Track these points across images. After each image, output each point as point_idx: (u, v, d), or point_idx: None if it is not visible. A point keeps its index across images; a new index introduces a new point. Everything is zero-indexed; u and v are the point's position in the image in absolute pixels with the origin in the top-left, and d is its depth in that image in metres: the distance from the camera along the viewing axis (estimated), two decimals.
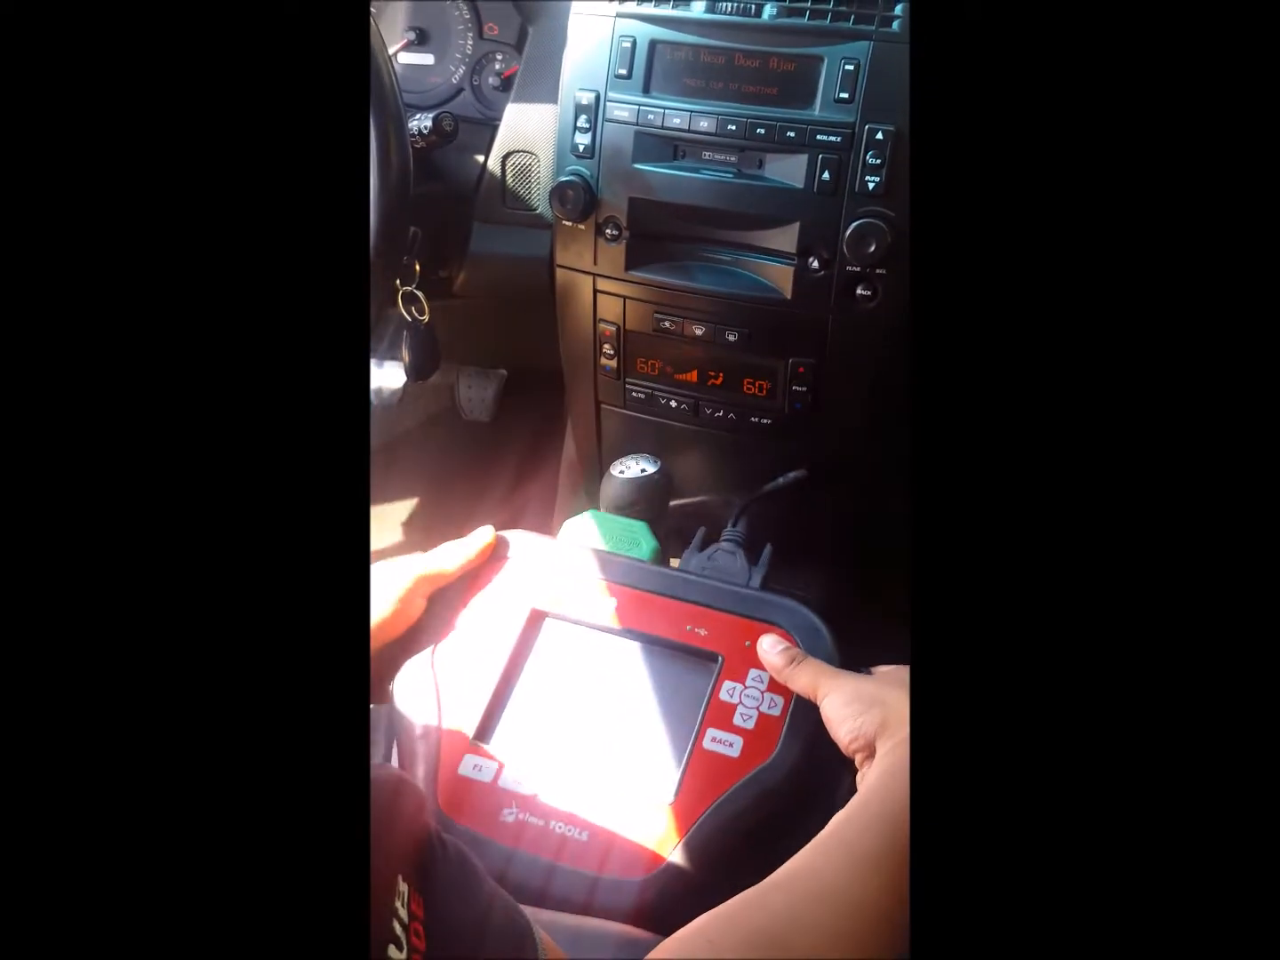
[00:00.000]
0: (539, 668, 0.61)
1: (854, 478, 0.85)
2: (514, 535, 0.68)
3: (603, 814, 0.54)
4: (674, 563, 0.73)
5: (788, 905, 0.43)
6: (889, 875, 0.43)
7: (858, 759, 0.51)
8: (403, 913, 0.32)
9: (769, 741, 0.56)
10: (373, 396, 0.86)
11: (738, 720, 0.57)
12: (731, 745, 0.56)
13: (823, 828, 0.51)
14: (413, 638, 0.62)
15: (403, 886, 0.33)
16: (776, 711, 0.57)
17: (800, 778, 0.55)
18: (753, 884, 0.49)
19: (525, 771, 0.56)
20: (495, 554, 0.67)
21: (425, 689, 0.60)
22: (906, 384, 0.77)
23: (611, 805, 0.55)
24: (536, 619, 0.63)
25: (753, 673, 0.58)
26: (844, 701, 0.52)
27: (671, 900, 0.51)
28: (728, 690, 0.58)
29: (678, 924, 0.47)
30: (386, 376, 0.84)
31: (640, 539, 0.72)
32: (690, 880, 0.52)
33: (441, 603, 0.63)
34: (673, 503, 0.77)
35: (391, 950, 0.31)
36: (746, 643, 0.60)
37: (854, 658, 0.60)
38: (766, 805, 0.54)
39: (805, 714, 0.56)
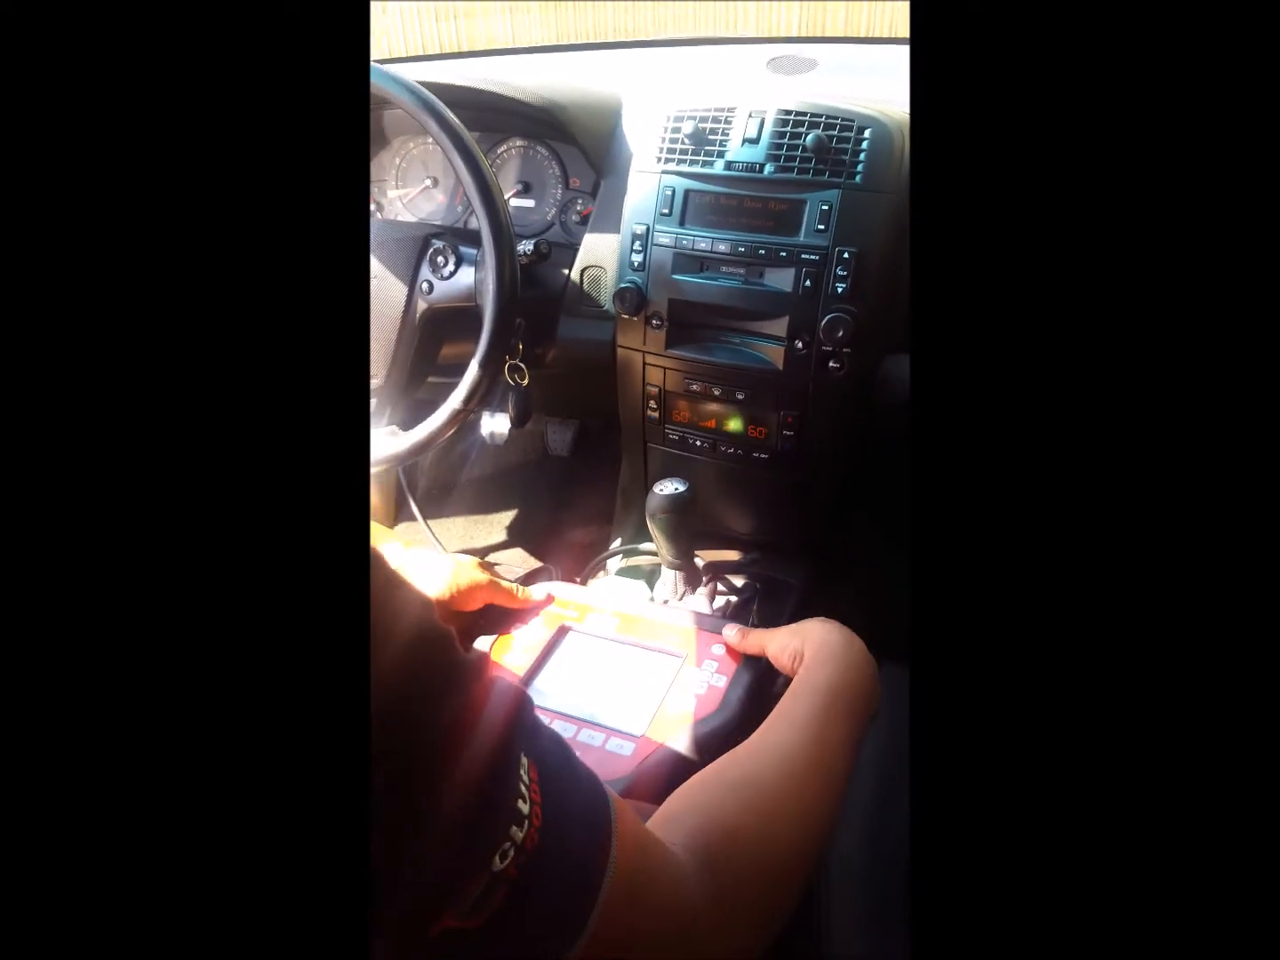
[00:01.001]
0: (564, 657, 0.67)
1: (821, 493, 0.87)
2: (554, 585, 0.73)
3: (591, 742, 0.59)
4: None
5: (751, 758, 0.47)
6: (814, 733, 0.49)
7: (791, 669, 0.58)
8: (525, 777, 0.32)
9: (714, 700, 0.61)
10: (486, 439, 0.87)
11: (693, 689, 0.62)
12: (687, 703, 0.62)
13: None
14: (456, 622, 0.65)
15: (524, 759, 0.33)
16: (722, 683, 0.62)
17: (731, 723, 0.60)
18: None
19: (542, 716, 0.62)
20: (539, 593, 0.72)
21: None
22: (865, 425, 0.82)
23: (598, 737, 0.60)
24: (563, 631, 0.69)
25: (706, 662, 0.64)
26: (778, 641, 0.60)
27: (639, 792, 0.56)
28: (687, 672, 0.64)
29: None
30: (496, 424, 0.87)
31: (641, 592, 0.79)
32: (641, 785, 0.57)
33: (495, 614, 0.68)
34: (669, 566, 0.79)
35: (519, 803, 0.31)
36: (710, 646, 0.66)
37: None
38: (706, 741, 0.59)
39: (739, 686, 0.62)
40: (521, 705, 0.34)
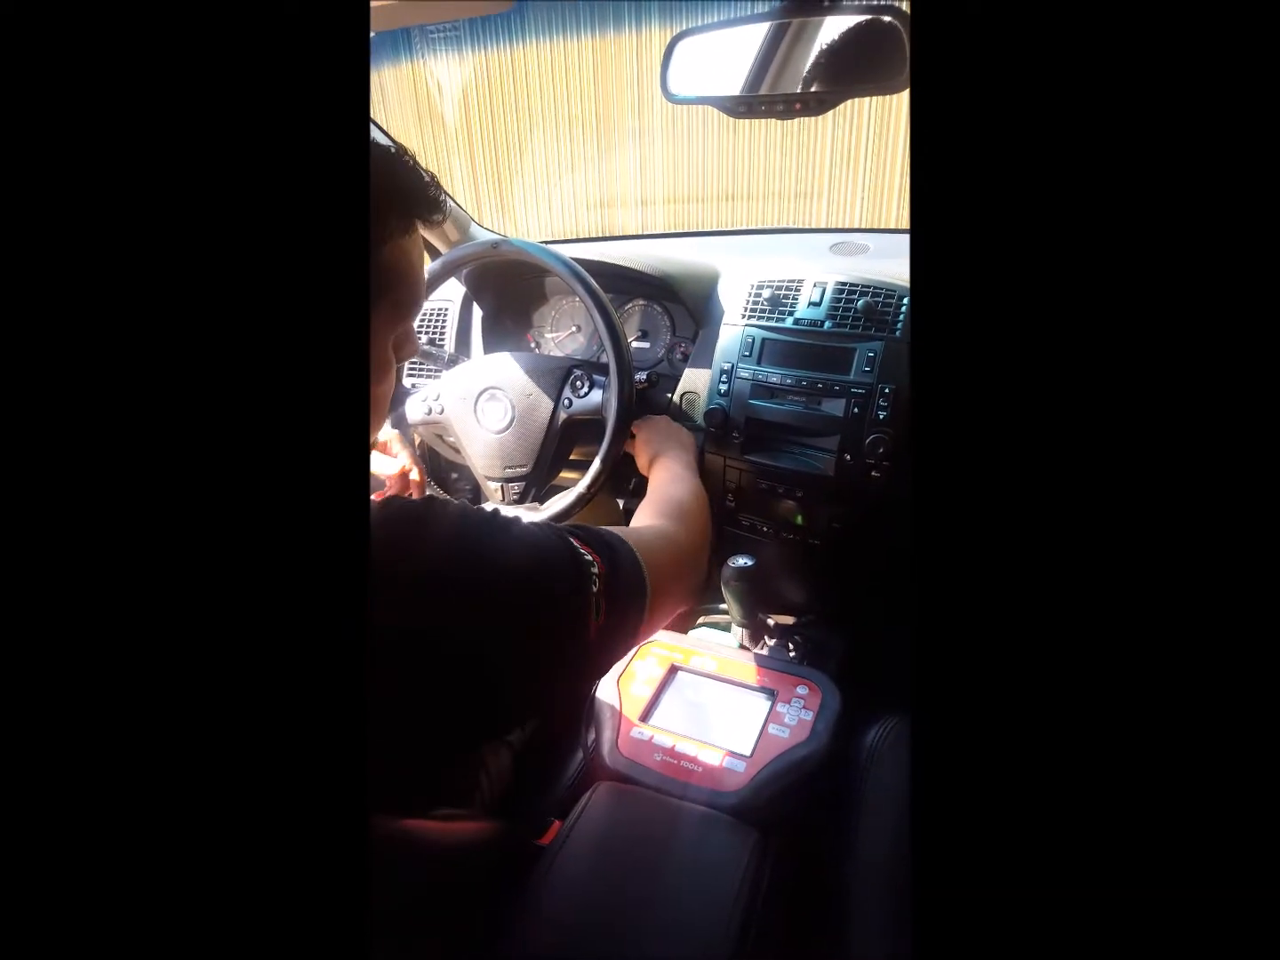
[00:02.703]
0: (676, 691, 0.68)
1: (865, 569, 0.86)
2: (661, 633, 0.74)
3: (709, 759, 0.60)
4: None
5: (663, 492, 0.67)
6: (687, 479, 0.70)
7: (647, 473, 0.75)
8: (580, 548, 0.44)
9: (805, 731, 0.62)
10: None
11: (786, 720, 0.63)
12: (783, 732, 0.62)
13: (833, 780, 0.58)
14: None
15: (572, 540, 0.44)
16: (809, 717, 0.63)
17: (821, 751, 0.61)
18: (798, 799, 0.56)
19: (667, 737, 0.62)
20: (652, 640, 0.74)
21: (614, 695, 0.67)
22: (898, 521, 0.80)
23: (715, 755, 0.60)
24: (674, 670, 0.71)
25: (794, 700, 0.65)
26: (640, 449, 0.79)
27: (748, 804, 0.56)
28: (780, 707, 0.64)
29: (753, 816, 0.54)
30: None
31: (730, 640, 0.81)
32: (758, 795, 0.57)
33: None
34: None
35: (587, 558, 0.44)
36: (796, 687, 0.66)
37: (860, 699, 0.66)
38: (803, 764, 0.59)
39: (824, 720, 0.62)
40: (552, 523, 0.49)
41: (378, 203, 0.38)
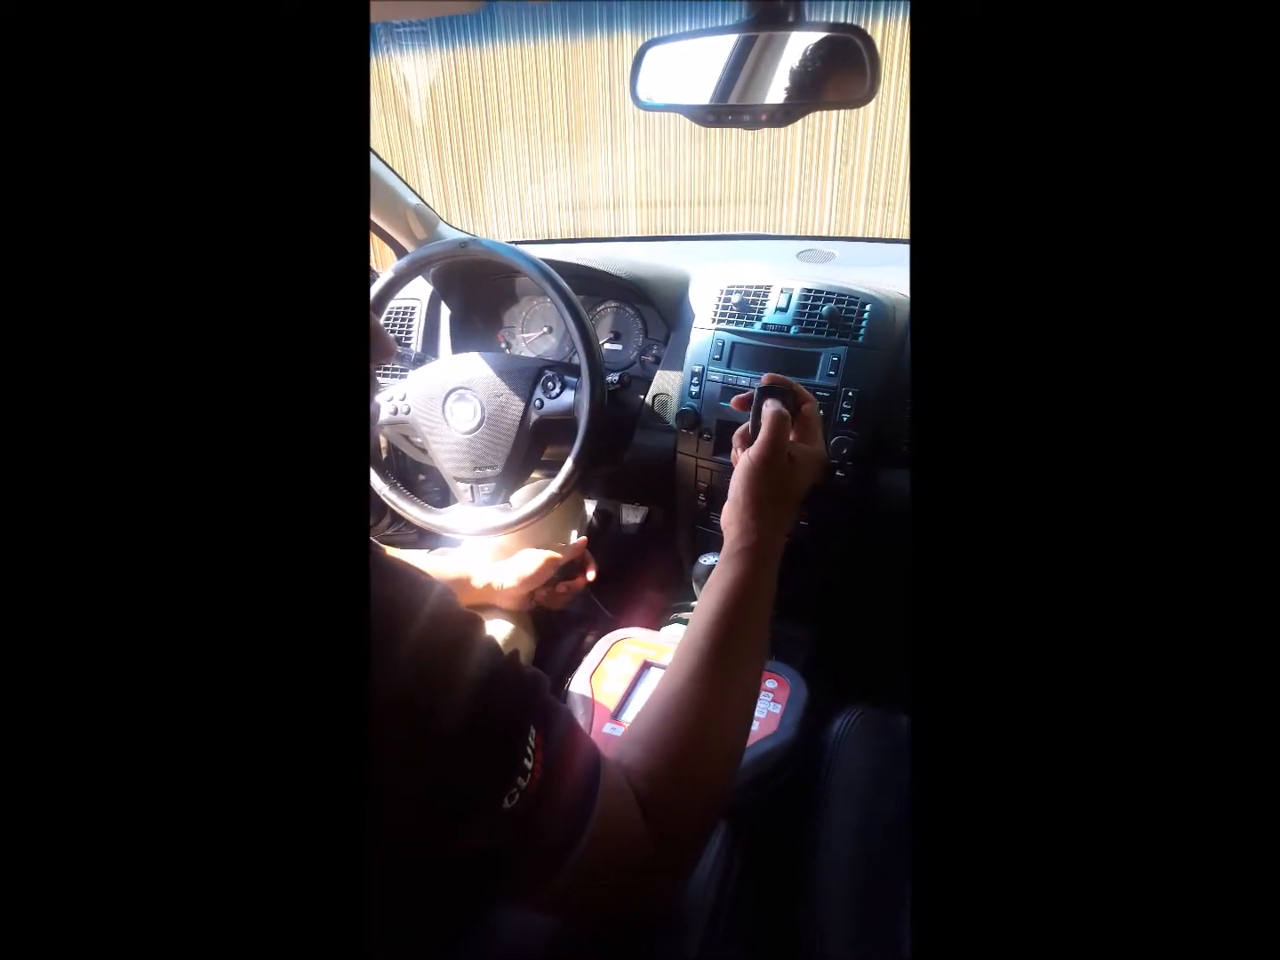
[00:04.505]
0: (649, 687, 0.68)
1: (830, 566, 0.87)
2: (635, 630, 0.75)
3: None
4: None
5: (677, 696, 0.43)
6: (726, 663, 0.45)
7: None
8: (531, 742, 0.33)
9: (773, 724, 0.63)
10: (625, 527, 0.93)
11: (755, 714, 0.62)
12: (753, 725, 0.63)
13: (799, 770, 0.59)
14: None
15: (533, 729, 0.34)
16: (778, 710, 0.64)
17: (789, 742, 0.62)
18: (765, 789, 0.57)
19: None
20: (625, 638, 0.73)
21: (586, 693, 0.68)
22: (861, 519, 0.84)
23: None
24: (646, 666, 0.71)
25: (762, 694, 0.64)
26: (730, 507, 0.53)
27: None
28: None
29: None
30: (630, 517, 0.93)
31: None
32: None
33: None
34: None
35: (525, 760, 0.33)
36: (765, 681, 0.66)
37: (826, 691, 0.68)
38: (771, 755, 0.61)
39: (791, 713, 0.63)
40: (536, 690, 0.36)
41: None
